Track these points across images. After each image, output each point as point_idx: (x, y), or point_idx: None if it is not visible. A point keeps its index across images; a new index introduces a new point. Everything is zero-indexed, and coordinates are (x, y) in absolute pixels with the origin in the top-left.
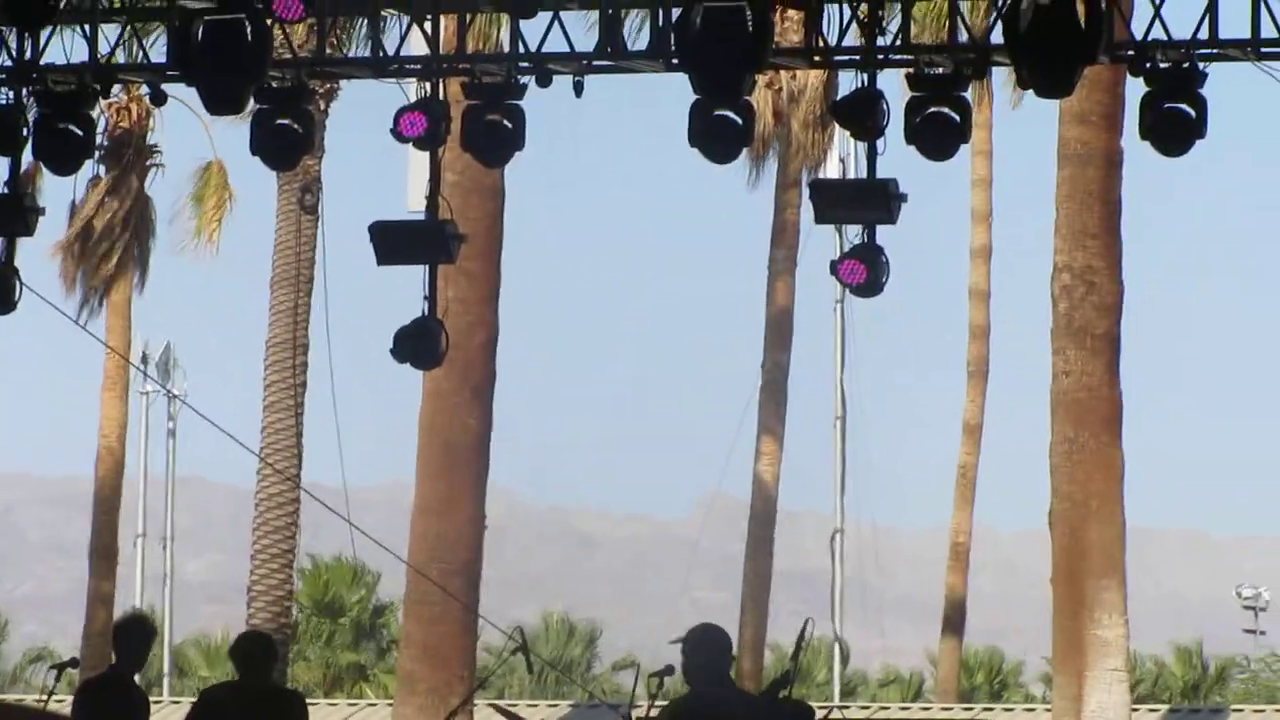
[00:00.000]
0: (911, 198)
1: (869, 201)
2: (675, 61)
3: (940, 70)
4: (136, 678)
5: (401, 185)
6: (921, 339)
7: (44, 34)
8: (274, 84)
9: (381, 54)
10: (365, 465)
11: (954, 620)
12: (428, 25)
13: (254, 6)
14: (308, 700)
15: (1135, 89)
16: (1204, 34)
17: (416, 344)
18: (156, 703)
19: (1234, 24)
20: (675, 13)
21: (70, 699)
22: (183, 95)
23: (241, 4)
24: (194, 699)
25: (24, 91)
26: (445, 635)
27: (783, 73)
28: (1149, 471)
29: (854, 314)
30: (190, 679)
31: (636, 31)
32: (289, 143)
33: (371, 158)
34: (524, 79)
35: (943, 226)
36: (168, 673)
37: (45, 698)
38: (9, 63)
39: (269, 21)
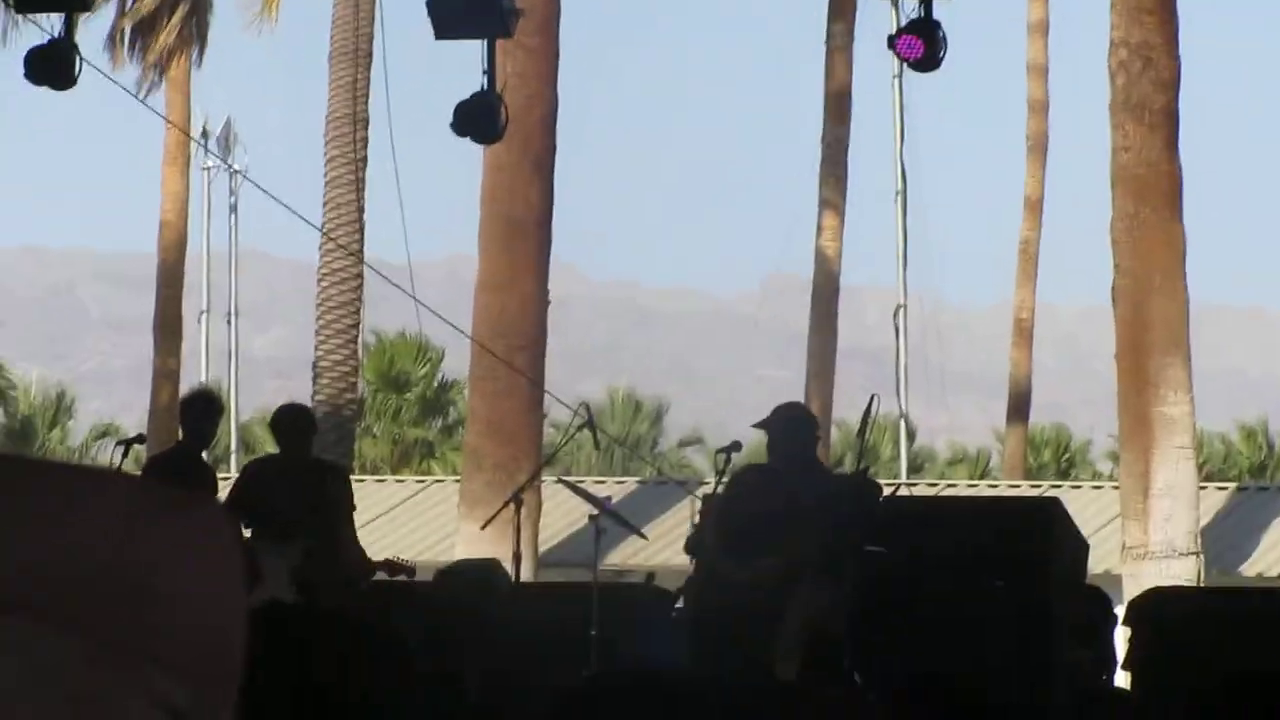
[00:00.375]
0: None
1: None
2: None
3: None
4: (204, 454)
5: None
6: (980, 114)
7: None
8: None
9: None
10: (427, 240)
11: (1019, 398)
12: None
13: None
14: (377, 477)
15: None
16: None
17: (476, 118)
18: (224, 479)
19: None
20: None
21: (138, 475)
22: None
23: None
24: None
25: None
26: (511, 411)
27: None
28: (1209, 249)
29: (912, 89)
30: (257, 455)
31: None
32: None
33: None
34: None
35: (999, 2)
36: (235, 449)
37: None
38: None
39: None
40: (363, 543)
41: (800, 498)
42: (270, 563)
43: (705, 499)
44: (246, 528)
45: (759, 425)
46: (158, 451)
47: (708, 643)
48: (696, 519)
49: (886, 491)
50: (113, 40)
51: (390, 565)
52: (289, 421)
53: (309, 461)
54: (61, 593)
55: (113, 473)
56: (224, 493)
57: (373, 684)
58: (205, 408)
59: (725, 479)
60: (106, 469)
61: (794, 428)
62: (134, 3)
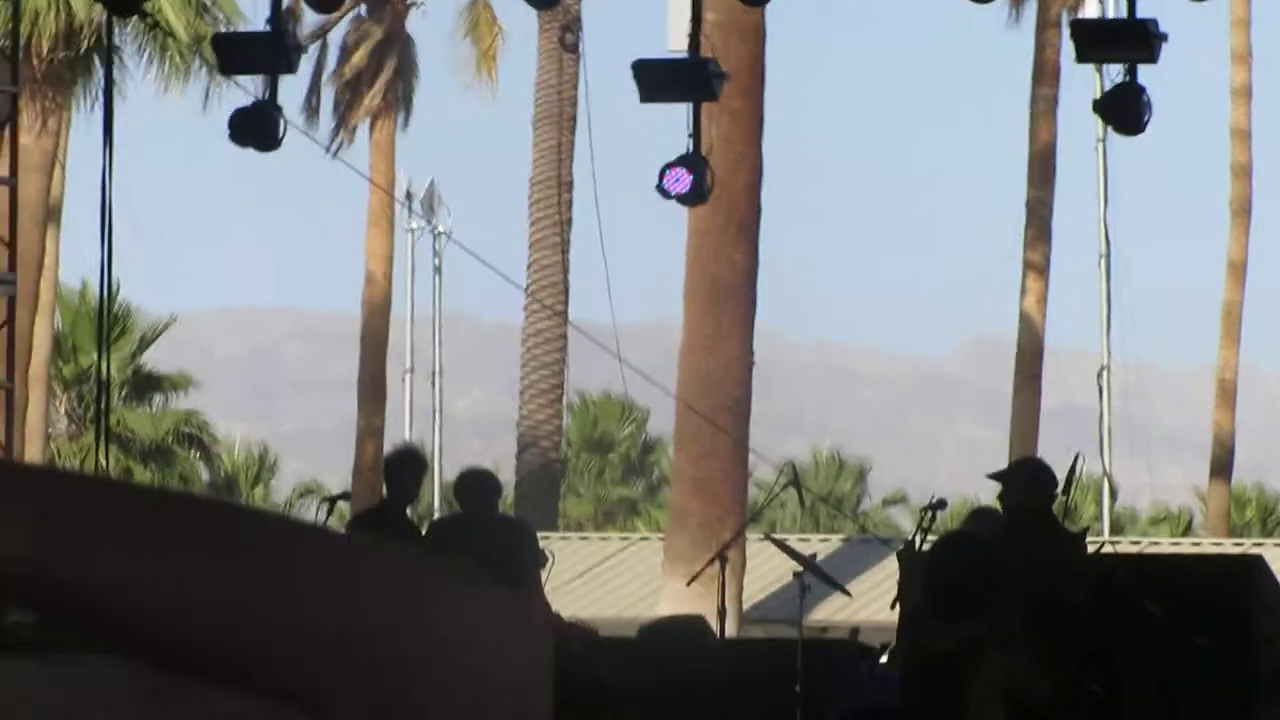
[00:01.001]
0: (1172, 37)
1: (1129, 40)
2: None
3: None
4: (408, 510)
5: (661, 25)
6: (1183, 178)
7: None
8: None
9: None
10: (630, 302)
11: (1222, 457)
12: None
13: None
14: (579, 535)
15: None
16: None
17: (676, 180)
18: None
19: None
20: None
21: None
22: None
23: None
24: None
25: None
26: (716, 469)
27: None
28: None
29: (1116, 153)
30: None
31: None
32: None
33: None
34: None
35: (1203, 66)
36: (438, 508)
37: None
38: None
39: None
40: (567, 599)
41: (1021, 559)
42: None
43: (900, 554)
44: None
45: (994, 476)
46: (362, 509)
47: (913, 700)
48: (897, 574)
49: (1091, 549)
50: (309, 102)
51: (570, 626)
52: (472, 483)
53: (494, 519)
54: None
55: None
56: None
57: None
58: (411, 464)
59: (928, 535)
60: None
61: (1034, 480)
62: (339, 65)
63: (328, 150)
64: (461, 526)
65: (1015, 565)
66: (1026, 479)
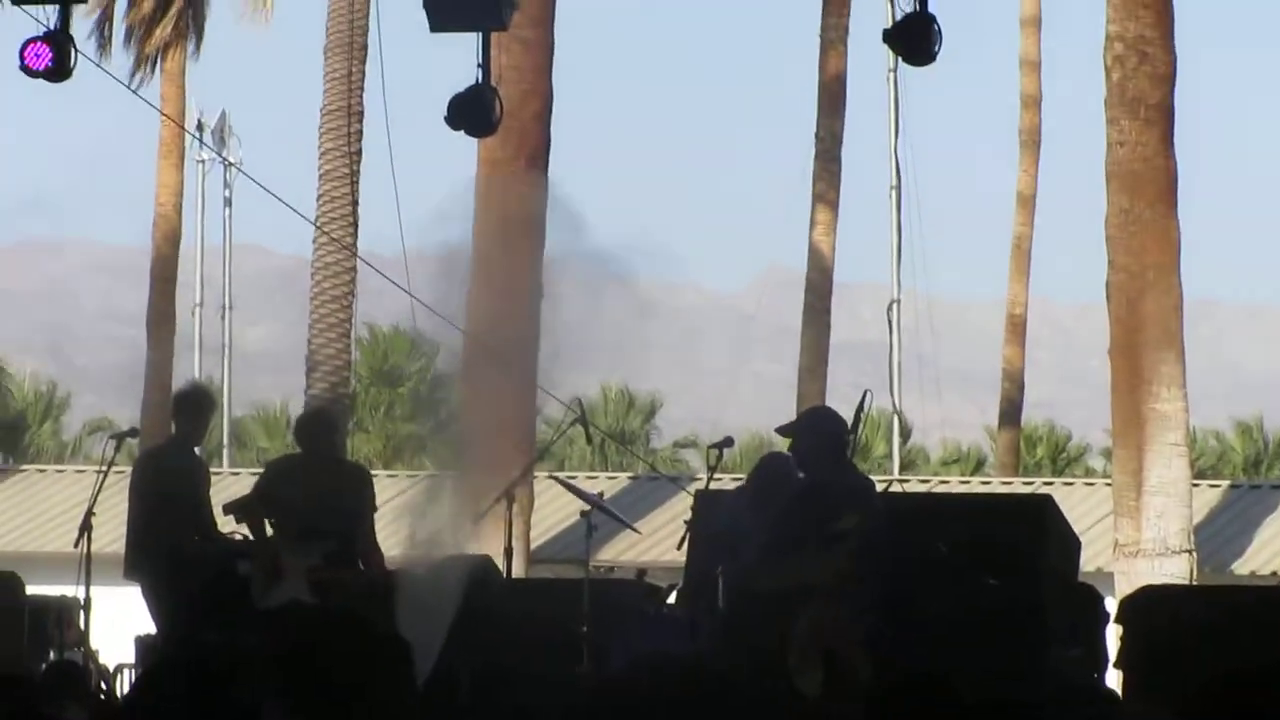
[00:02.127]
0: None
1: None
2: None
3: None
4: (197, 448)
5: None
6: (973, 110)
7: None
8: None
9: None
10: (420, 235)
11: (1012, 395)
12: None
13: None
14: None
15: None
16: None
17: (471, 111)
18: (216, 473)
19: None
20: None
21: (129, 469)
22: None
23: None
24: (255, 470)
25: None
26: (503, 407)
27: None
28: (1206, 245)
29: (906, 83)
30: (249, 450)
31: None
32: None
33: None
34: None
35: None
36: (227, 444)
37: (105, 468)
38: None
39: None
40: None
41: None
42: (292, 563)
43: (697, 495)
44: (269, 526)
45: (783, 431)
46: (151, 445)
47: (712, 642)
48: (689, 515)
49: (880, 488)
50: (101, 31)
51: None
52: (312, 425)
53: (332, 462)
54: None
55: None
56: (216, 487)
57: (375, 684)
58: (199, 401)
59: (714, 473)
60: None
61: (823, 436)
62: None
63: (127, 85)
64: (295, 467)
65: (827, 513)
66: (801, 427)
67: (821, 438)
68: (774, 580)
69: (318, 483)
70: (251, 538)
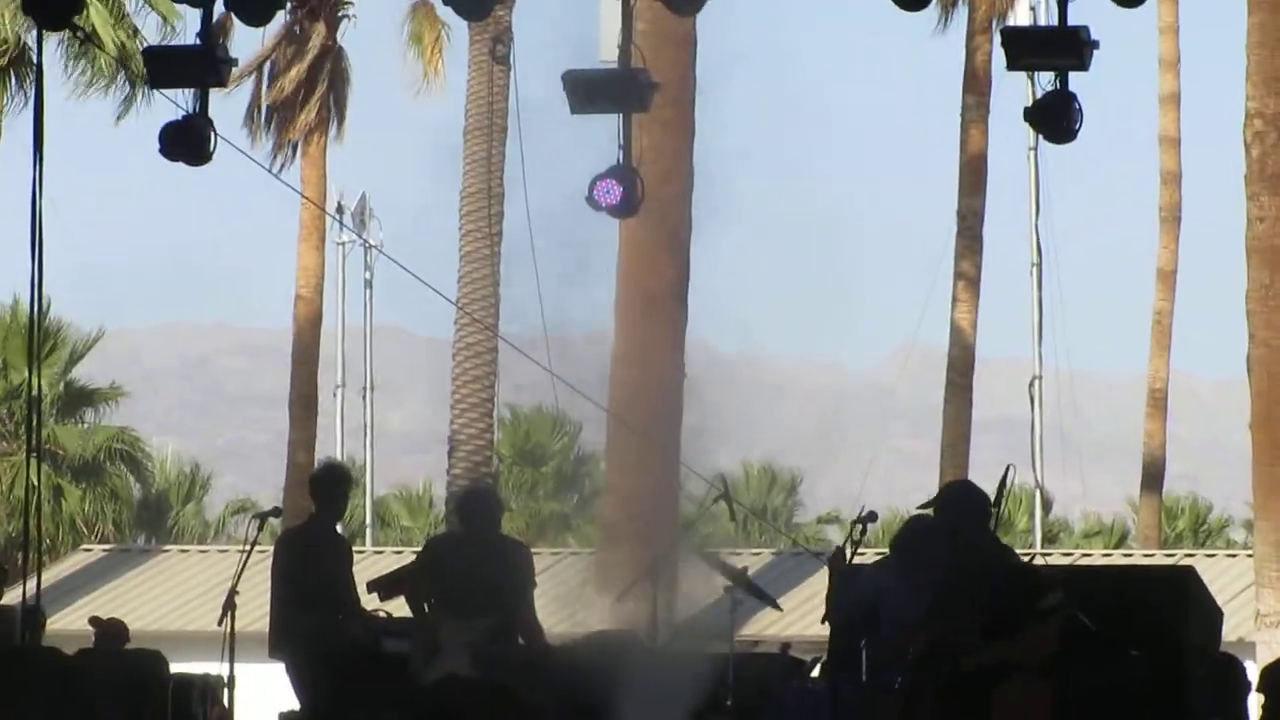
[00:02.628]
0: (1101, 43)
1: (1060, 47)
2: None
3: None
4: (339, 527)
5: (592, 36)
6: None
7: None
8: None
9: None
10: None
11: (1153, 468)
12: None
13: None
14: None
15: None
16: None
17: (608, 192)
18: (359, 551)
19: None
20: None
21: (271, 548)
22: None
23: None
24: (398, 549)
25: None
26: (647, 484)
27: None
28: None
29: (1047, 161)
30: (392, 529)
31: None
32: None
33: (561, 7)
34: None
35: (1132, 73)
36: (370, 524)
37: (248, 547)
38: None
39: None
40: None
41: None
42: (452, 639)
43: (831, 560)
44: (429, 601)
45: (926, 505)
46: (292, 525)
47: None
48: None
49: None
50: (250, 117)
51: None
52: (474, 502)
53: (494, 538)
54: None
55: None
56: (360, 566)
57: None
58: (335, 479)
59: (858, 548)
60: None
61: (966, 506)
62: (273, 80)
63: (269, 169)
64: (456, 544)
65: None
66: (958, 505)
67: (968, 513)
68: (980, 658)
69: (479, 559)
70: (395, 615)
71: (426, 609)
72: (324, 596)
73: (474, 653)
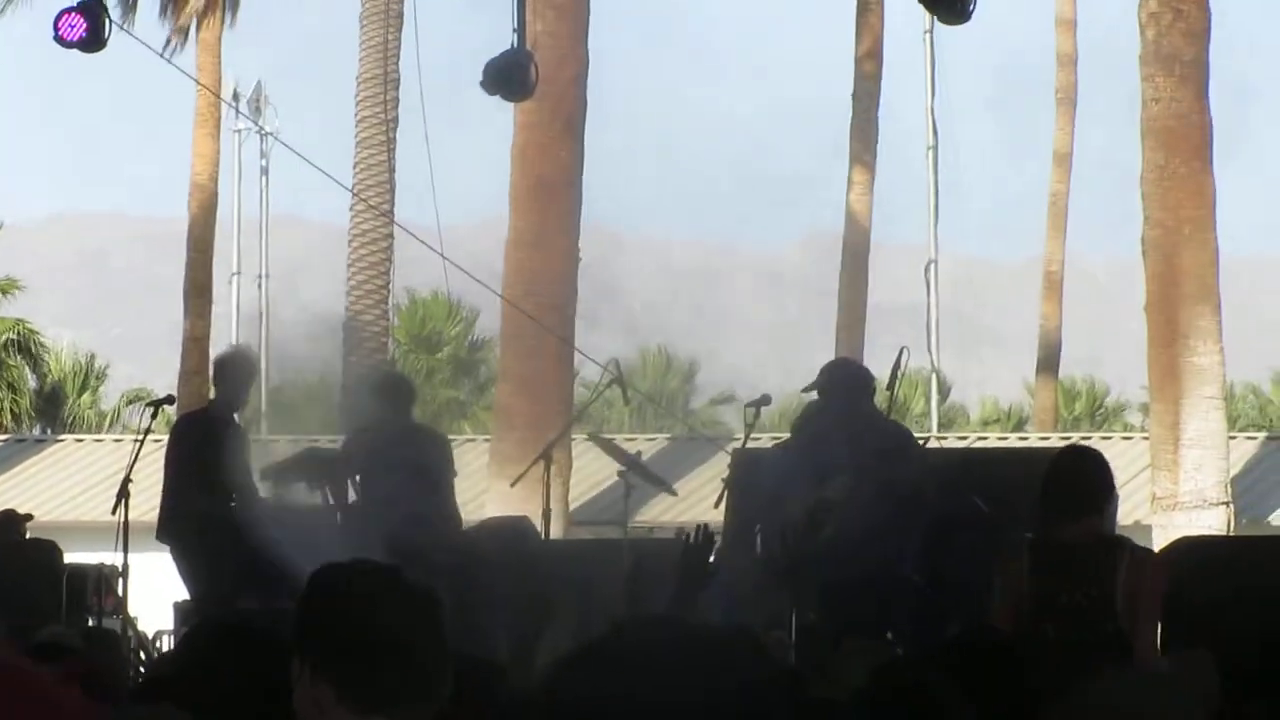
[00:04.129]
0: None
1: None
2: None
3: None
4: (236, 416)
5: None
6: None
7: None
8: None
9: None
10: (456, 201)
11: (1050, 351)
12: None
13: None
14: None
15: None
16: None
17: (506, 76)
18: (255, 441)
19: None
20: None
21: (166, 437)
22: None
23: None
24: (293, 437)
25: None
26: (542, 369)
27: None
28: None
29: (942, 43)
30: (287, 417)
31: None
32: None
33: None
34: None
35: None
36: (265, 411)
37: (142, 436)
38: None
39: None
40: None
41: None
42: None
43: (734, 454)
44: (352, 494)
45: (809, 389)
46: (189, 410)
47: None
48: (726, 474)
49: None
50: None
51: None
52: (395, 386)
53: (410, 425)
54: None
55: None
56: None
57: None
58: (241, 367)
59: (754, 434)
60: None
61: (849, 388)
62: None
63: (161, 54)
64: (375, 433)
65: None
66: (824, 380)
67: (850, 390)
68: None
69: (399, 447)
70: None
71: (351, 498)
72: (218, 481)
73: (390, 544)
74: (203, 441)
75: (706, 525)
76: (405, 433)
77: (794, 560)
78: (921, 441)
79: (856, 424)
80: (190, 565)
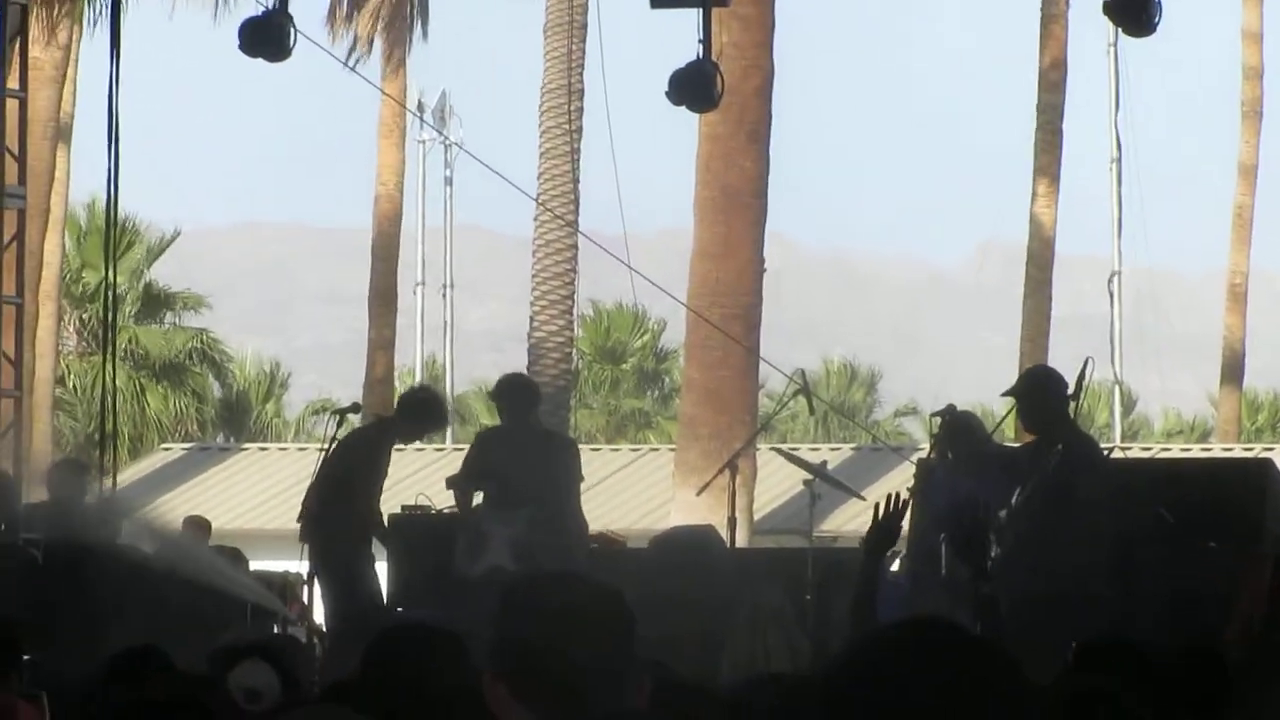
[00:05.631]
0: None
1: None
2: None
3: None
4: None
5: None
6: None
7: None
8: None
9: None
10: (642, 211)
11: (1233, 362)
12: None
13: None
14: (592, 447)
15: None
16: None
17: (692, 86)
18: (439, 449)
19: None
20: None
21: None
22: None
23: None
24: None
25: None
26: (727, 379)
27: None
28: None
29: (1127, 56)
30: (473, 426)
31: None
32: None
33: None
34: None
35: None
36: (450, 421)
37: (328, 444)
38: None
39: None
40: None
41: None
42: (496, 531)
43: (920, 464)
44: (478, 495)
45: (1008, 393)
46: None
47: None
48: (911, 484)
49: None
50: (332, 14)
51: (603, 538)
52: (515, 391)
53: (537, 432)
54: None
55: None
56: (443, 464)
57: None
58: (431, 414)
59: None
60: None
61: (1048, 394)
62: None
63: (345, 63)
64: (499, 436)
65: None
66: (1037, 390)
67: (1046, 396)
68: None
69: (524, 452)
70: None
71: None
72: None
73: (516, 547)
74: (355, 452)
75: (898, 494)
76: (526, 436)
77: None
78: (1106, 452)
79: (1047, 429)
80: (331, 571)
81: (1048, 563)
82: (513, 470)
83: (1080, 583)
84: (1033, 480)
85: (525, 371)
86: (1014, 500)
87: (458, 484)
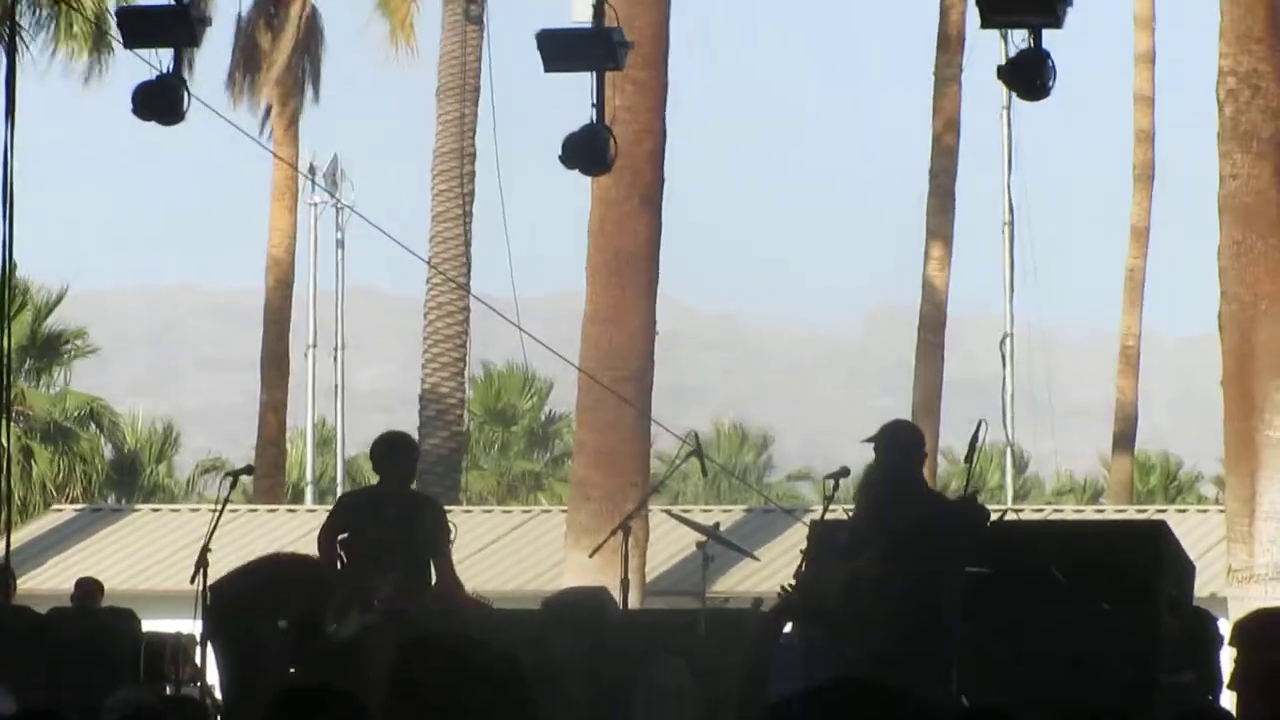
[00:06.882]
0: (1076, 2)
1: (1035, 5)
2: None
3: None
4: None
5: None
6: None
7: None
8: None
9: None
10: (533, 274)
11: (1125, 425)
12: None
13: None
14: (484, 508)
15: None
16: None
17: (585, 150)
18: (310, 511)
19: None
20: None
21: (242, 506)
22: None
23: None
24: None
25: None
26: (618, 441)
27: None
28: None
29: (1020, 119)
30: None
31: None
32: None
33: None
34: None
35: (1107, 32)
36: (340, 482)
37: (220, 505)
38: None
39: None
40: (470, 573)
41: (904, 519)
42: (363, 592)
43: (812, 525)
44: (341, 556)
45: (870, 440)
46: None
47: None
48: (804, 545)
49: (995, 516)
50: (231, 79)
51: (470, 600)
52: (384, 449)
53: (403, 493)
54: None
55: None
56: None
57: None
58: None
59: (832, 505)
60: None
61: (901, 445)
62: (246, 41)
63: (237, 125)
64: (365, 498)
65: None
66: (882, 439)
67: (900, 450)
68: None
69: (393, 512)
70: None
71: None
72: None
73: (384, 608)
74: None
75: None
76: (394, 498)
77: (832, 631)
78: (999, 515)
79: (902, 490)
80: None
81: (899, 620)
82: (376, 530)
83: (932, 644)
84: (882, 543)
85: (416, 433)
86: (865, 560)
87: (320, 544)
